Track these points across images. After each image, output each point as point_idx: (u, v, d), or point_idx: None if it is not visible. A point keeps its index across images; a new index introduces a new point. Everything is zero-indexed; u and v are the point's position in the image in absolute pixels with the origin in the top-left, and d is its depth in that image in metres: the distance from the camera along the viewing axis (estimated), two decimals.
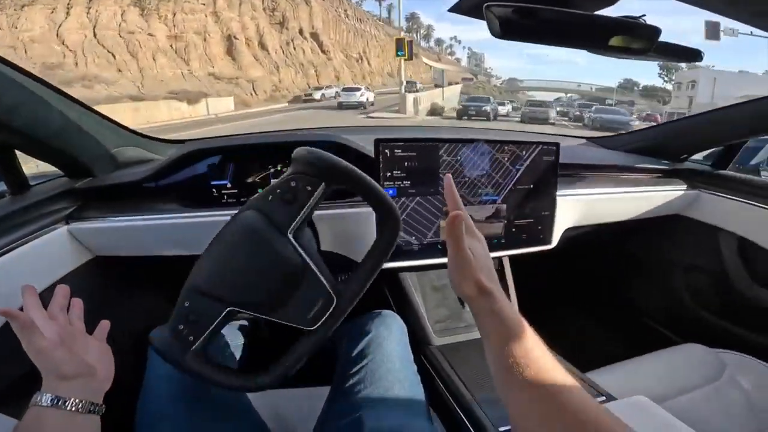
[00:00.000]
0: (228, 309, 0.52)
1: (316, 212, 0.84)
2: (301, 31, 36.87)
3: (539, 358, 0.38)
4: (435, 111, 19.01)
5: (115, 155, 0.89)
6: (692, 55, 0.76)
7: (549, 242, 0.94)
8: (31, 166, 0.84)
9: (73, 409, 0.45)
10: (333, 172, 0.54)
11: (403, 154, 0.81)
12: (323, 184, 0.54)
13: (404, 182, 0.82)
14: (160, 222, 0.82)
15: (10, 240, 0.68)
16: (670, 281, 1.26)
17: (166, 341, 0.52)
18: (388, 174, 0.82)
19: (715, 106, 1.26)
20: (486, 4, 0.62)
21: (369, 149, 0.91)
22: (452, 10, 0.76)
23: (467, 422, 0.76)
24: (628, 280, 1.40)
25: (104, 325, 0.55)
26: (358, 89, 23.02)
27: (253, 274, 0.53)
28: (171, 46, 25.17)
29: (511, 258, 1.07)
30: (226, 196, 0.88)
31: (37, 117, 0.71)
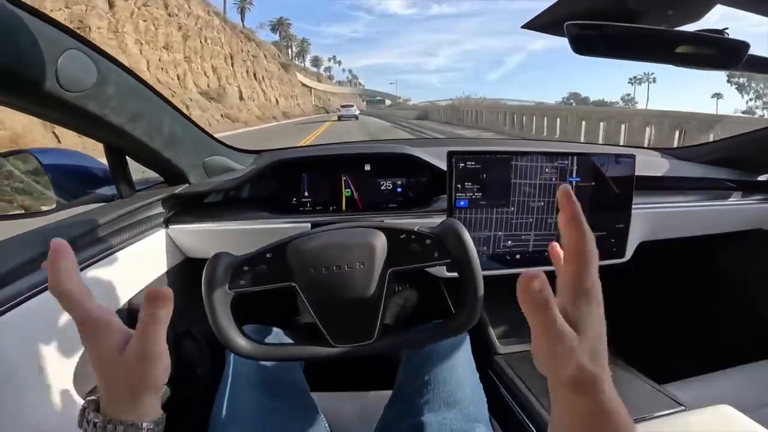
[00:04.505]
0: None
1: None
2: None
3: None
4: None
5: (206, 164, 0.97)
6: None
7: (623, 255, 0.92)
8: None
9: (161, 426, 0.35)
10: (462, 260, 0.55)
11: (475, 167, 0.83)
12: (449, 262, 0.56)
13: (476, 194, 0.84)
14: (245, 228, 0.89)
15: (122, 239, 0.76)
16: (752, 298, 1.17)
17: None
18: (460, 186, 0.84)
19: None
20: (567, 23, 0.63)
21: (435, 161, 0.94)
22: (525, 26, 0.78)
23: (533, 429, 0.76)
24: (705, 295, 1.32)
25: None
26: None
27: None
28: None
29: None
30: (305, 205, 0.95)
31: (153, 126, 0.77)
